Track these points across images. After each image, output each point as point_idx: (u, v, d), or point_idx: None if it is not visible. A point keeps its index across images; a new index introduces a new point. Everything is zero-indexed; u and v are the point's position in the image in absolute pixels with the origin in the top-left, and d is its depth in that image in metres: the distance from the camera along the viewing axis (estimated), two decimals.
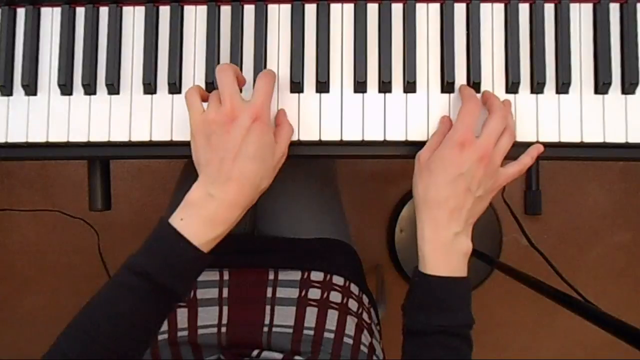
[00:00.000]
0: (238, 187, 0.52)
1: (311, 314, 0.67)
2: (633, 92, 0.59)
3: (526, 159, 0.58)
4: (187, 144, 0.57)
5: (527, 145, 0.59)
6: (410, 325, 0.58)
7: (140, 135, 0.60)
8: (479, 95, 0.59)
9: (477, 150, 0.54)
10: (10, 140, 0.61)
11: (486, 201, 0.57)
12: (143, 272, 0.50)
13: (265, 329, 0.65)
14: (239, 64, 0.60)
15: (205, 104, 0.55)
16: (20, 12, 0.61)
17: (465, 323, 0.56)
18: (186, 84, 0.60)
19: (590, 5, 0.60)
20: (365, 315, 0.72)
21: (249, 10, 0.60)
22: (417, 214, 0.58)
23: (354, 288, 0.73)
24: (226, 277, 0.70)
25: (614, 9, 0.60)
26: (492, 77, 0.60)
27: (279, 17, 0.60)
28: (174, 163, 1.49)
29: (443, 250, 0.56)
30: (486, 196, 0.57)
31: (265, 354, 0.63)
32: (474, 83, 0.59)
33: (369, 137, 0.59)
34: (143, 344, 0.51)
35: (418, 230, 0.58)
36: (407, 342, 0.58)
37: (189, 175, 0.84)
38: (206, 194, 0.52)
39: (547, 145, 0.59)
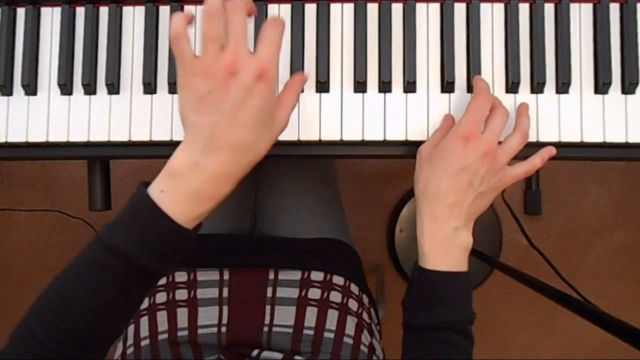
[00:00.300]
0: (230, 157, 0.45)
1: (311, 314, 0.67)
2: (633, 92, 0.59)
3: (536, 160, 0.57)
4: None
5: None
6: (411, 321, 0.57)
7: (140, 135, 0.60)
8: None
9: (482, 146, 0.53)
10: (10, 140, 0.60)
11: (489, 198, 0.56)
12: (119, 252, 0.44)
13: (266, 328, 0.65)
14: None
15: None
16: (20, 12, 0.61)
17: (466, 319, 0.56)
18: None
19: (590, 5, 0.60)
20: (365, 315, 0.72)
21: None
22: (417, 208, 0.57)
23: (354, 288, 0.73)
24: (226, 276, 0.70)
25: (614, 9, 0.60)
26: (492, 77, 0.60)
27: (279, 17, 0.60)
28: None
29: (443, 245, 0.55)
30: (489, 193, 0.56)
31: (265, 353, 0.63)
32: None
33: (369, 137, 0.59)
34: (121, 323, 0.48)
35: (418, 225, 0.57)
36: (407, 337, 0.58)
37: None
38: (192, 162, 0.45)
39: (547, 145, 0.59)
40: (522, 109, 0.58)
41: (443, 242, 0.55)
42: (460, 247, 0.56)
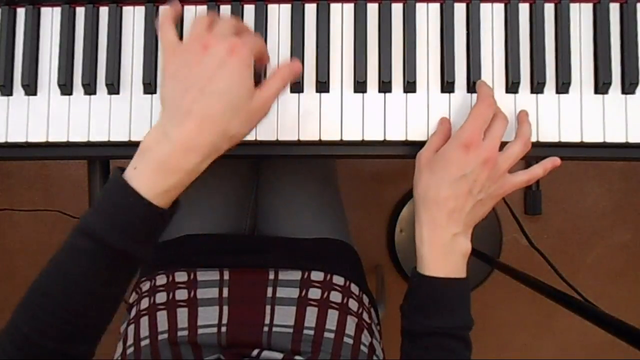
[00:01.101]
0: (197, 125, 0.45)
1: (311, 314, 0.67)
2: (633, 92, 0.59)
3: (538, 170, 0.57)
4: None
5: None
6: (409, 327, 0.58)
7: (140, 135, 0.60)
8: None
9: (483, 153, 0.54)
10: (10, 140, 0.60)
11: (488, 206, 0.57)
12: (93, 234, 0.44)
13: (266, 328, 0.65)
14: None
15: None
16: (20, 12, 0.61)
17: (464, 325, 0.56)
18: None
19: (590, 5, 0.60)
20: (365, 315, 0.72)
21: (249, 10, 0.60)
22: (416, 213, 0.58)
23: (354, 288, 0.73)
24: (226, 276, 0.70)
25: (614, 9, 0.60)
26: (492, 77, 0.60)
27: (279, 17, 0.60)
28: None
29: (441, 251, 0.56)
30: (488, 201, 0.56)
31: (265, 353, 0.63)
32: (474, 83, 0.59)
33: (369, 137, 0.59)
34: (106, 311, 0.48)
35: (417, 231, 0.57)
36: (405, 343, 0.58)
37: None
38: (161, 133, 0.46)
39: (547, 145, 0.59)
40: (523, 115, 0.58)
41: (442, 248, 0.55)
42: (458, 253, 0.56)
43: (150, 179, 0.45)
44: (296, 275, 0.70)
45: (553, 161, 0.58)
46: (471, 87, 0.59)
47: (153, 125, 0.48)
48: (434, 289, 0.56)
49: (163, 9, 0.49)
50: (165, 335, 0.65)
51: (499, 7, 0.60)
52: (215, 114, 0.46)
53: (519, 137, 0.56)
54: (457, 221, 0.55)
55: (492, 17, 0.60)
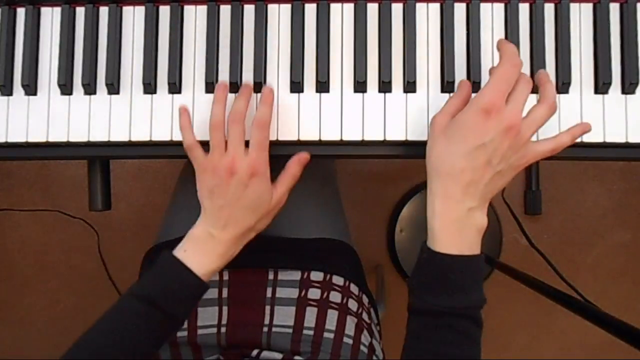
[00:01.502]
0: (235, 231, 0.57)
1: (311, 314, 0.67)
2: (633, 92, 0.59)
3: (565, 137, 0.53)
4: None
5: None
6: (417, 304, 0.53)
7: (140, 135, 0.60)
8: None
9: (505, 120, 0.49)
10: (10, 140, 0.61)
11: (508, 177, 0.52)
12: (146, 298, 0.54)
13: (265, 329, 0.65)
14: (239, 63, 0.60)
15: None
16: (20, 12, 0.61)
17: (477, 304, 0.52)
18: (186, 83, 0.60)
19: (590, 5, 0.60)
20: (365, 316, 0.72)
21: (249, 10, 0.60)
22: (429, 184, 0.53)
23: (354, 288, 0.73)
24: (226, 277, 0.70)
25: (614, 9, 0.60)
26: None
27: (279, 17, 0.60)
28: (173, 163, 1.49)
29: (455, 226, 0.51)
30: (508, 171, 0.52)
31: (265, 354, 0.63)
32: (474, 83, 0.59)
33: (369, 137, 0.59)
34: None
35: (428, 203, 0.53)
36: (412, 321, 0.54)
37: (189, 175, 0.84)
38: (207, 233, 0.57)
39: None
40: (544, 76, 0.54)
41: (456, 223, 0.51)
42: (474, 229, 0.52)
43: (202, 261, 0.56)
44: (296, 275, 0.70)
45: (583, 127, 0.54)
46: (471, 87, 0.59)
47: (199, 220, 0.58)
48: (446, 267, 0.51)
49: (185, 133, 0.58)
50: None
51: (499, 7, 0.60)
52: (246, 222, 0.57)
53: (543, 98, 0.52)
54: (474, 195, 0.51)
55: (492, 17, 0.60)
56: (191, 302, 0.57)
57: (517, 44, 0.59)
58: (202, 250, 0.57)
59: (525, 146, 0.51)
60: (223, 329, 0.66)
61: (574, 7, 0.60)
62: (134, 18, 0.61)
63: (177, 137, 0.60)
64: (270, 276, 0.70)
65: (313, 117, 0.60)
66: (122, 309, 0.55)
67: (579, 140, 0.59)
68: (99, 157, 0.65)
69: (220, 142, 0.56)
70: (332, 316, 0.67)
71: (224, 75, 0.60)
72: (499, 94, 0.50)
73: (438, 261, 0.51)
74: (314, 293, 0.69)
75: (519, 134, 0.50)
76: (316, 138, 0.60)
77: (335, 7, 0.60)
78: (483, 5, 0.60)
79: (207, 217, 0.58)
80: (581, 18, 0.60)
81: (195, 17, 0.61)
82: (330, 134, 0.60)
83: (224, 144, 0.56)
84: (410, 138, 0.59)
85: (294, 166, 0.59)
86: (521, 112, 0.50)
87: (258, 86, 0.60)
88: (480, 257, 0.52)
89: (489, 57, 0.60)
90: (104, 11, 0.61)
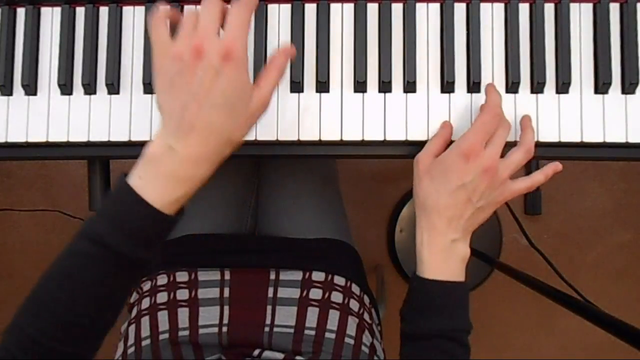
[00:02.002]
0: (202, 139, 0.45)
1: (312, 314, 0.67)
2: (633, 92, 0.59)
3: (539, 177, 0.57)
4: None
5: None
6: (408, 330, 0.59)
7: (140, 135, 0.60)
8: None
9: (483, 162, 0.54)
10: (10, 140, 0.60)
11: (488, 212, 0.57)
12: (100, 240, 0.45)
13: (267, 328, 0.65)
14: None
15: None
16: (20, 12, 0.61)
17: (463, 328, 0.57)
18: None
19: (590, 5, 0.60)
20: (366, 316, 0.72)
21: None
22: (417, 219, 0.59)
23: (355, 288, 0.73)
24: (227, 276, 0.70)
25: (614, 9, 0.60)
26: (492, 77, 0.60)
27: (279, 16, 0.60)
28: None
29: (441, 255, 0.57)
30: (488, 207, 0.56)
31: (266, 353, 0.63)
32: (474, 83, 0.59)
33: (369, 137, 0.59)
34: (110, 314, 0.48)
35: (417, 235, 0.58)
36: (404, 346, 0.59)
37: None
38: (166, 146, 0.45)
39: (547, 145, 0.59)
40: (526, 121, 0.58)
41: (441, 252, 0.56)
42: (458, 258, 0.57)
43: (159, 189, 0.45)
44: (297, 275, 0.70)
45: (554, 167, 0.57)
46: (471, 87, 0.59)
47: (155, 133, 0.47)
48: (433, 292, 0.57)
49: (157, 8, 0.48)
50: (166, 335, 0.65)
51: (499, 7, 0.60)
52: (218, 125, 0.45)
53: (521, 144, 0.56)
54: (456, 228, 0.56)
55: (492, 17, 0.60)
56: (152, 241, 0.46)
57: (517, 44, 0.59)
58: (161, 174, 0.45)
59: (503, 185, 0.55)
60: (224, 329, 0.66)
61: (574, 7, 0.60)
62: (134, 18, 0.61)
63: None
64: (272, 276, 0.70)
65: (313, 117, 0.60)
66: (75, 252, 0.46)
67: (579, 140, 0.59)
68: (99, 157, 0.65)
69: (191, 22, 0.46)
70: (333, 316, 0.67)
71: None
72: (479, 140, 0.54)
73: (427, 287, 0.57)
74: (316, 293, 0.69)
75: (496, 175, 0.54)
76: (316, 138, 0.59)
77: (335, 7, 0.60)
78: (483, 5, 0.60)
79: (166, 123, 0.46)
80: (581, 18, 0.60)
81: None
82: (330, 134, 0.59)
83: (192, 25, 0.45)
84: (410, 138, 0.59)
85: (280, 56, 0.49)
86: (498, 154, 0.55)
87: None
88: (465, 285, 0.58)
89: (489, 57, 0.60)
90: (104, 11, 0.61)
